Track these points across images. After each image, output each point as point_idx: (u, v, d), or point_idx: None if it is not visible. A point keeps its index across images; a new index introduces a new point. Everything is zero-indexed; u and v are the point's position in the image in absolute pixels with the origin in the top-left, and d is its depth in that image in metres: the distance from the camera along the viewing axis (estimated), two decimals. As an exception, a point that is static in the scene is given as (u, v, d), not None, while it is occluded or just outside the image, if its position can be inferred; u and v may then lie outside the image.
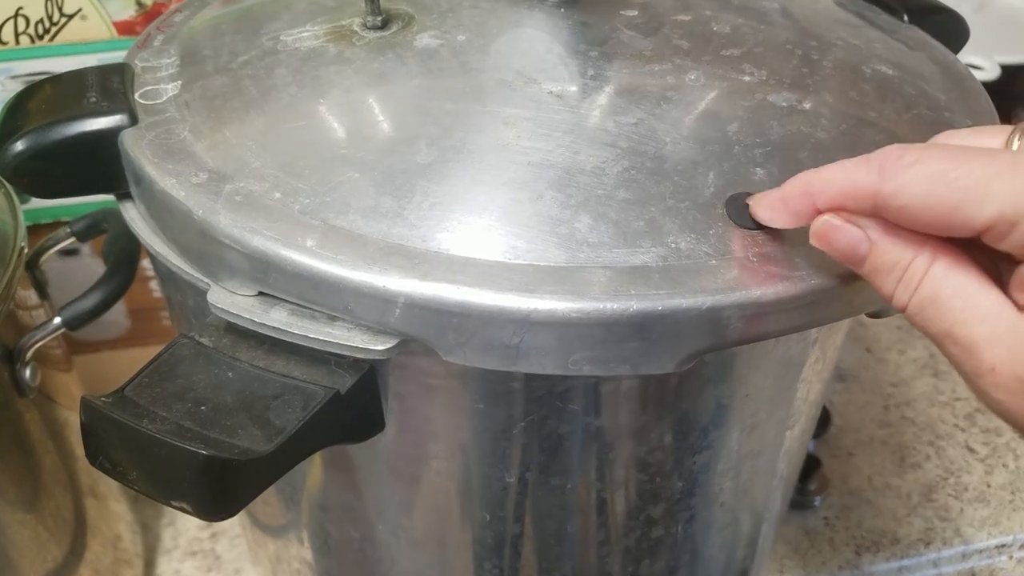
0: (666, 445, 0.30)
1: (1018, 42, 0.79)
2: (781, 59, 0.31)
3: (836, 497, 0.55)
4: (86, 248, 0.58)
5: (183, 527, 0.56)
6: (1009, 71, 0.76)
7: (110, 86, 0.31)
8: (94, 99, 0.30)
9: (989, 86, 0.76)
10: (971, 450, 0.58)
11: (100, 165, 0.30)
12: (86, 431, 0.23)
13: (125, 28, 0.52)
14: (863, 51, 0.33)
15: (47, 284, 0.44)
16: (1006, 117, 0.91)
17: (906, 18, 0.38)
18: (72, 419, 0.45)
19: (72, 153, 0.30)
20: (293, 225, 0.25)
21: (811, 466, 0.54)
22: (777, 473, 0.37)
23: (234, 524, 0.56)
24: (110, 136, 0.29)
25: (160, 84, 0.31)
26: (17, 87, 0.51)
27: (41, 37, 0.51)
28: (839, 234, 0.22)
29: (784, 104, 0.29)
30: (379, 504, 0.32)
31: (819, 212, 0.23)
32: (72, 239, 0.44)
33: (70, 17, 0.51)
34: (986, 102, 0.32)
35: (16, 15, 0.50)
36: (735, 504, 0.35)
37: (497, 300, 0.23)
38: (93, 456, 0.23)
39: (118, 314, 0.63)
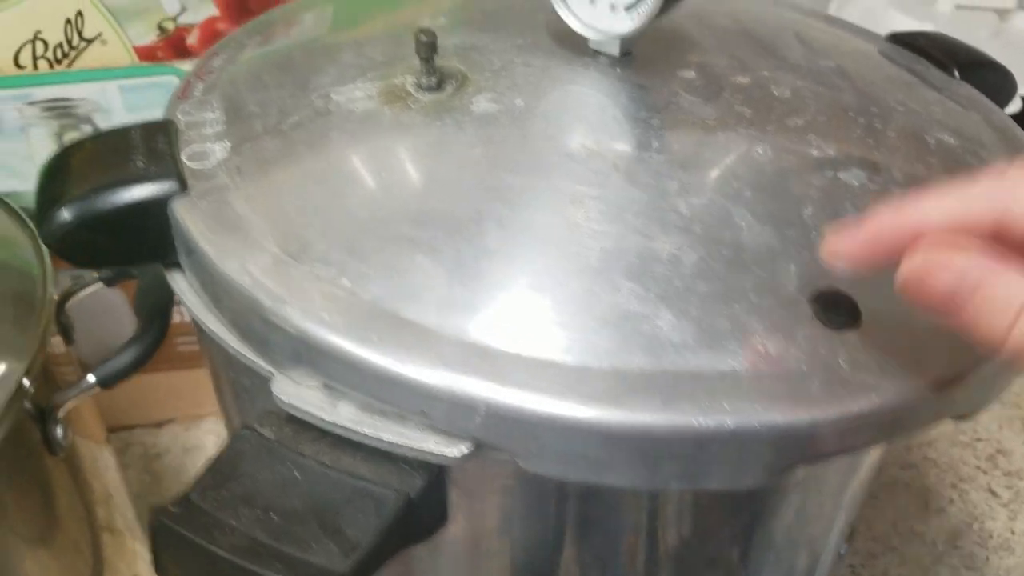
0: (733, 551, 0.29)
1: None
2: (845, 128, 0.31)
3: (862, 543, 0.55)
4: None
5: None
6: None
7: (156, 147, 0.30)
8: (141, 163, 0.29)
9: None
10: (994, 494, 0.58)
11: (148, 233, 0.29)
12: (156, 544, 0.22)
13: (146, 54, 0.50)
14: (923, 116, 0.33)
15: (72, 329, 0.42)
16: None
17: (957, 74, 0.37)
18: (89, 451, 0.44)
19: (120, 222, 0.28)
20: (365, 319, 0.24)
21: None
22: (831, 547, 0.36)
23: None
24: (159, 204, 0.28)
25: (207, 143, 0.30)
26: (36, 113, 0.49)
27: (60, 62, 0.50)
28: (943, 273, 0.20)
29: (856, 183, 0.28)
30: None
31: (915, 246, 0.20)
32: (99, 284, 0.43)
33: (90, 42, 0.50)
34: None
35: (34, 39, 0.49)
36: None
37: (583, 412, 0.22)
38: (161, 568, 0.23)
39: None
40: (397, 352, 0.23)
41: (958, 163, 0.31)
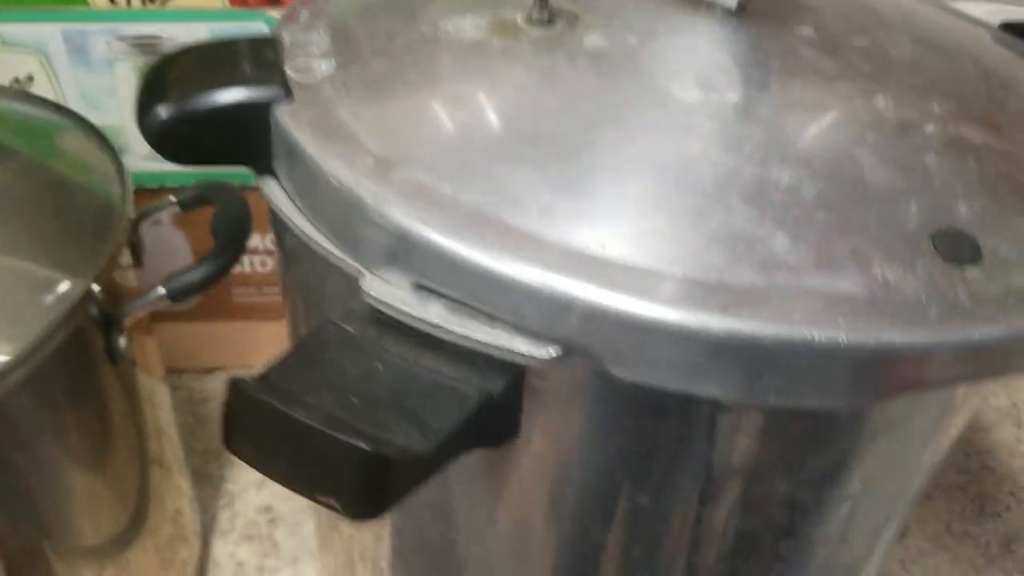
0: (815, 486, 0.27)
1: None
2: (967, 93, 0.29)
3: (913, 541, 0.53)
4: (165, 217, 0.57)
5: (241, 510, 0.54)
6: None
7: (264, 57, 0.30)
8: (248, 69, 0.29)
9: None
10: (1050, 504, 0.56)
11: (247, 137, 0.29)
12: (231, 414, 0.22)
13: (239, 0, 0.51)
14: (1047, 94, 0.31)
15: (143, 252, 0.43)
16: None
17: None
18: (149, 384, 0.44)
19: (222, 121, 0.29)
20: (466, 219, 0.23)
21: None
22: (892, 526, 0.34)
23: (294, 511, 0.54)
24: (263, 109, 0.28)
25: (312, 60, 0.30)
26: (123, 48, 0.50)
27: (153, 1, 0.51)
28: None
29: (977, 140, 0.27)
30: (488, 511, 0.30)
31: None
32: (176, 209, 0.43)
33: (185, -17, 0.51)
34: None
35: (131, -23, 0.50)
36: (854, 547, 0.33)
37: (686, 318, 0.21)
38: (235, 440, 0.22)
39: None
40: (494, 251, 0.22)
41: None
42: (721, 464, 0.26)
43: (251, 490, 0.56)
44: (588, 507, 0.28)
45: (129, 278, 0.41)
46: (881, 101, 0.27)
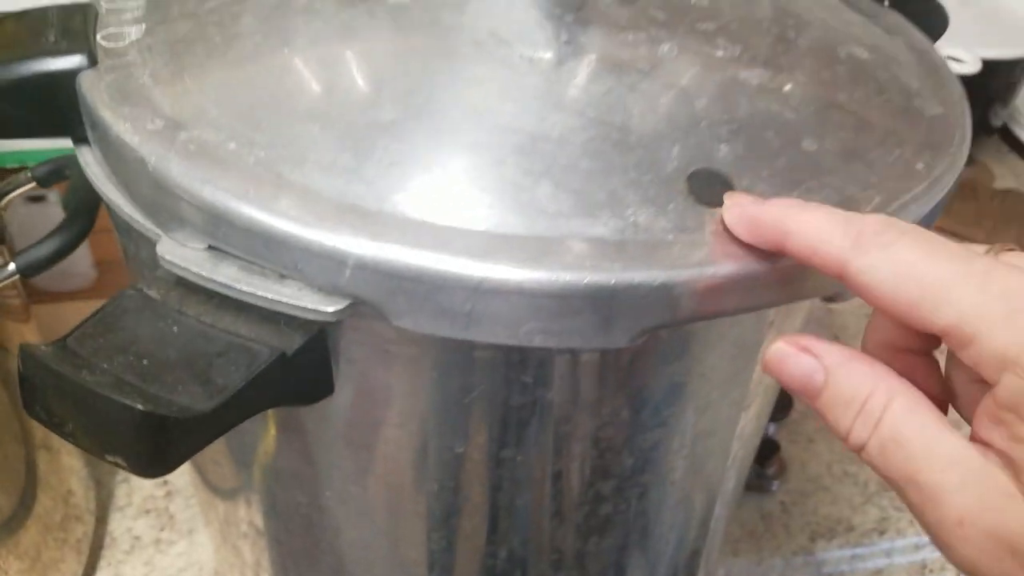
0: (618, 421, 0.29)
1: (1001, 37, 0.79)
2: (756, 36, 0.31)
3: (793, 483, 0.56)
4: (52, 195, 0.56)
5: (137, 484, 0.55)
6: (990, 66, 0.76)
7: (71, 26, 0.30)
8: (53, 39, 0.29)
9: (969, 79, 0.76)
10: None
11: (57, 107, 0.29)
12: (24, 380, 0.23)
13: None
14: (840, 32, 0.33)
15: (4, 229, 0.43)
16: (985, 110, 0.91)
17: (886, 2, 0.38)
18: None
19: (29, 93, 0.29)
20: (246, 177, 0.24)
21: (770, 450, 0.55)
22: (731, 454, 0.37)
23: (191, 485, 0.55)
24: (68, 78, 0.28)
25: (124, 27, 0.30)
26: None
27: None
28: (792, 365, 0.21)
29: (755, 82, 0.28)
30: (328, 470, 0.31)
31: (783, 250, 0.22)
32: (33, 184, 0.43)
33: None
34: (959, 92, 0.32)
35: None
36: (687, 483, 0.35)
37: (450, 265, 0.22)
38: (30, 406, 0.23)
39: (84, 265, 0.62)
40: (273, 208, 0.23)
41: (866, 75, 0.31)
42: (524, 406, 0.27)
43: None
44: (410, 459, 0.29)
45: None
46: (665, 48, 0.29)
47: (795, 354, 0.21)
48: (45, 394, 0.23)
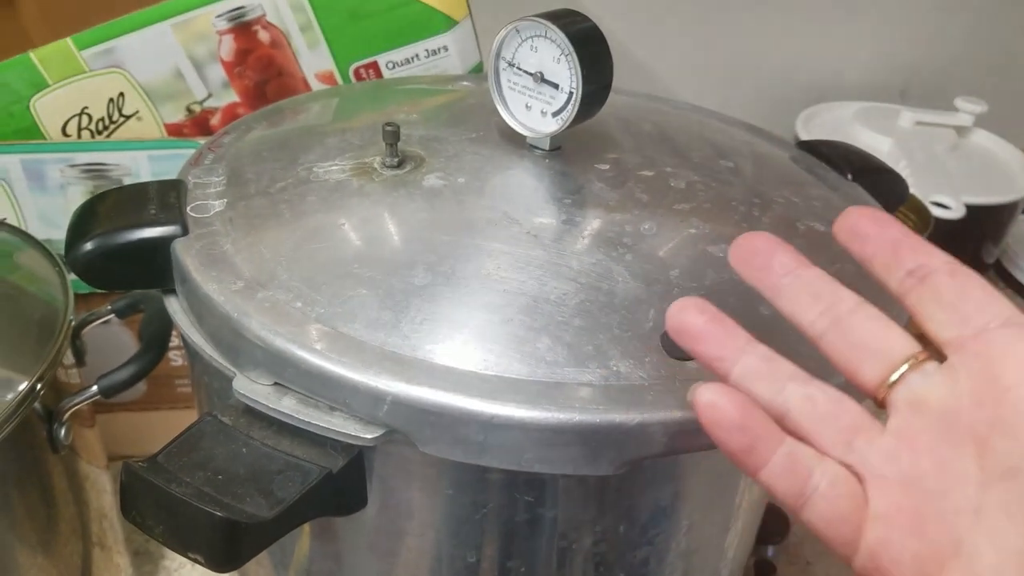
0: (611, 539, 0.34)
1: (987, 184, 0.86)
2: (725, 213, 0.37)
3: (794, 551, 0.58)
4: (114, 319, 0.64)
5: (173, 587, 0.60)
6: (981, 209, 0.82)
7: (167, 200, 0.37)
8: (154, 211, 0.37)
9: (955, 224, 0.82)
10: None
11: (153, 265, 0.36)
12: (124, 489, 0.28)
13: (174, 130, 0.59)
14: (801, 208, 0.40)
15: (85, 352, 0.49)
16: (978, 248, 0.96)
17: (849, 176, 0.44)
18: (91, 472, 0.50)
19: (133, 255, 0.36)
20: (308, 331, 0.30)
21: (767, 572, 0.58)
22: (719, 572, 0.41)
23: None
24: (165, 243, 0.35)
25: (209, 200, 0.38)
26: (75, 175, 0.57)
27: (100, 132, 0.59)
28: (736, 433, 0.25)
29: (720, 255, 0.35)
30: (358, 573, 0.36)
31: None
32: (111, 316, 0.50)
33: (128, 117, 0.59)
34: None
35: (81, 113, 0.58)
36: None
37: (467, 404, 0.28)
38: (127, 510, 0.28)
39: (138, 382, 0.69)
40: (329, 356, 0.29)
41: (823, 245, 0.37)
42: (527, 522, 0.33)
43: (187, 566, 0.61)
44: (428, 564, 0.34)
45: (72, 375, 0.47)
46: (646, 227, 0.35)
47: (730, 426, 0.25)
48: (141, 501, 0.28)
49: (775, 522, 0.59)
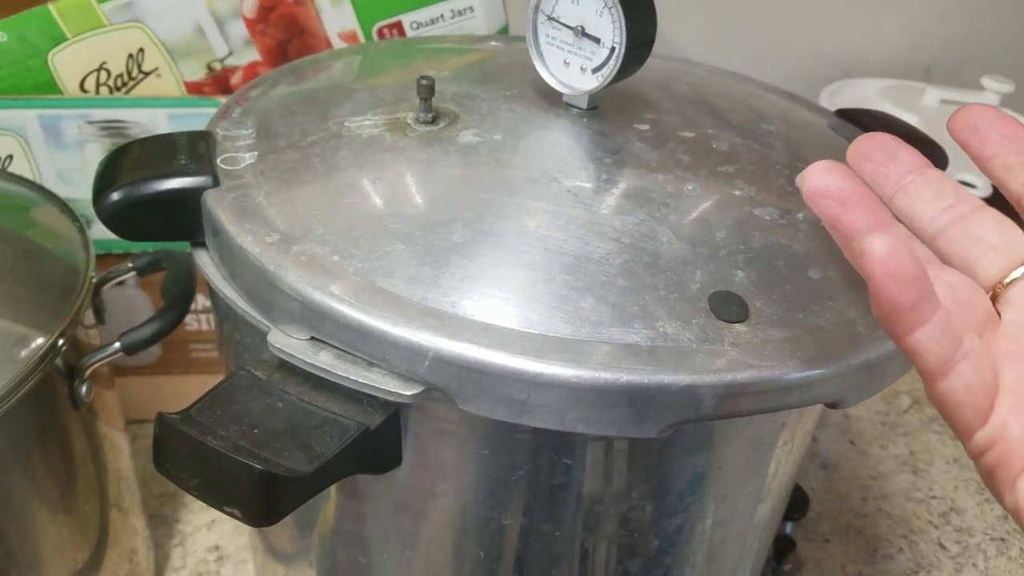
0: (645, 505, 0.34)
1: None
2: (769, 177, 0.36)
3: None
4: (131, 279, 0.63)
5: (191, 548, 0.59)
6: (1002, 191, 0.81)
7: (197, 150, 0.36)
8: (183, 161, 0.36)
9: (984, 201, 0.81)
10: (943, 547, 0.61)
11: (182, 217, 0.35)
12: (159, 441, 0.28)
13: (194, 88, 0.58)
14: (843, 176, 0.39)
15: (105, 311, 0.49)
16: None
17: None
18: (109, 433, 0.49)
19: (161, 205, 0.35)
20: (347, 284, 0.29)
21: (787, 547, 0.58)
22: (747, 544, 0.41)
23: (240, 549, 0.59)
24: (195, 194, 0.35)
25: (239, 153, 0.37)
26: (93, 131, 0.56)
27: (119, 89, 0.58)
28: (909, 287, 0.22)
29: (767, 218, 0.34)
30: (386, 534, 0.36)
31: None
32: (133, 273, 0.49)
33: (147, 74, 0.58)
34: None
35: (100, 68, 0.57)
36: (707, 570, 0.39)
37: (511, 361, 0.27)
38: (161, 463, 0.28)
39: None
40: (368, 310, 0.29)
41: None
42: (563, 485, 0.32)
43: (202, 530, 0.61)
44: (457, 525, 0.34)
45: (92, 335, 0.47)
46: (690, 187, 0.34)
47: (906, 278, 0.22)
48: (176, 454, 0.28)
49: (796, 499, 0.59)
